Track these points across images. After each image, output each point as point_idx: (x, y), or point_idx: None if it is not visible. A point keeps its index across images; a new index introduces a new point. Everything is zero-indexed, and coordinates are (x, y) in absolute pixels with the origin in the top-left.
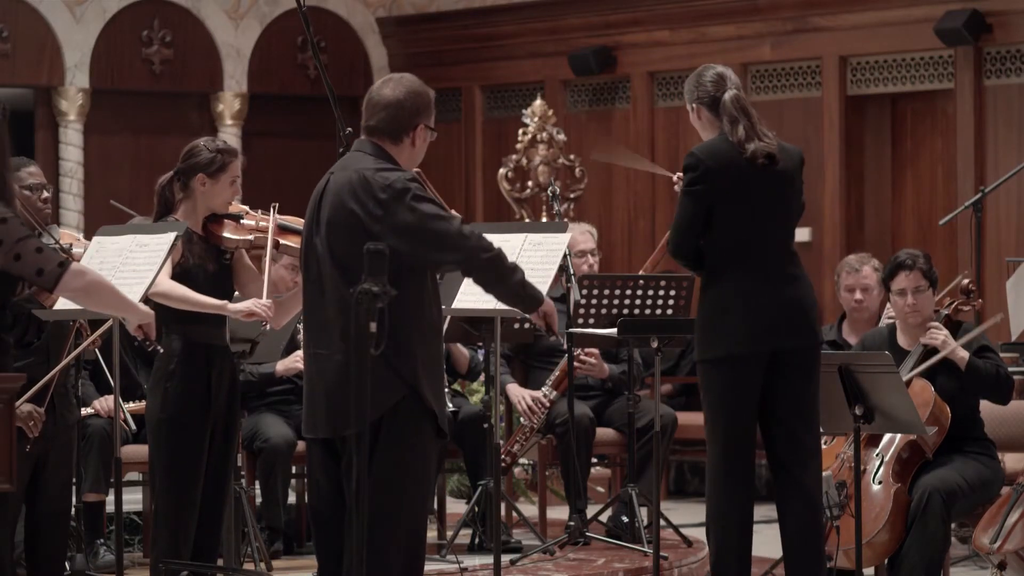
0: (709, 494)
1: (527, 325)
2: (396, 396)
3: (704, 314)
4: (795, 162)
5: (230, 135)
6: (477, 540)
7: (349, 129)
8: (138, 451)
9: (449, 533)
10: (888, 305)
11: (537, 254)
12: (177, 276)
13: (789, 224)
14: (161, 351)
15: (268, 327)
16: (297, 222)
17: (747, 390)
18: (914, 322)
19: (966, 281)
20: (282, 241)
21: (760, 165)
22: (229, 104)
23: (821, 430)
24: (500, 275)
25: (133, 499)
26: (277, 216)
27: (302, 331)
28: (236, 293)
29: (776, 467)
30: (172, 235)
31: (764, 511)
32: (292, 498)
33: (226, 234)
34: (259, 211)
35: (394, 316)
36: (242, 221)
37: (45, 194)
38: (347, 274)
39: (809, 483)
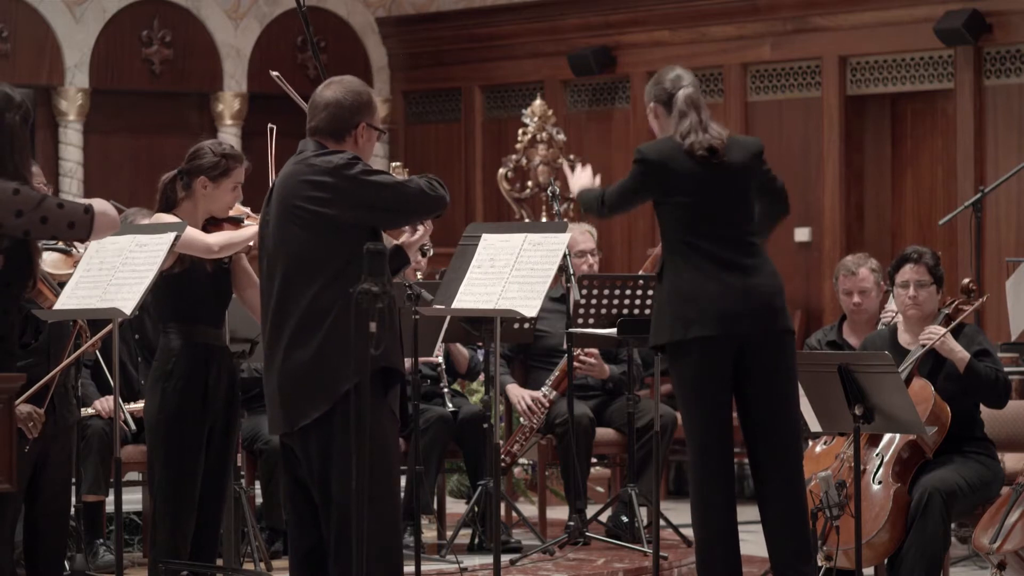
0: (692, 485)
1: (526, 325)
2: (351, 382)
3: (659, 300)
4: (749, 153)
5: (230, 135)
6: (477, 540)
7: None
8: (138, 451)
9: (449, 533)
10: (886, 306)
11: (537, 254)
12: (176, 275)
13: (741, 215)
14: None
15: None
16: None
17: (714, 374)
18: (914, 315)
19: (967, 281)
20: None
21: (700, 158)
22: (229, 104)
23: (821, 429)
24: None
25: (133, 499)
26: None
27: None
28: (234, 295)
29: (754, 462)
30: (172, 235)
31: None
32: None
33: None
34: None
35: (343, 303)
36: (245, 223)
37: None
38: (305, 268)
39: (786, 476)
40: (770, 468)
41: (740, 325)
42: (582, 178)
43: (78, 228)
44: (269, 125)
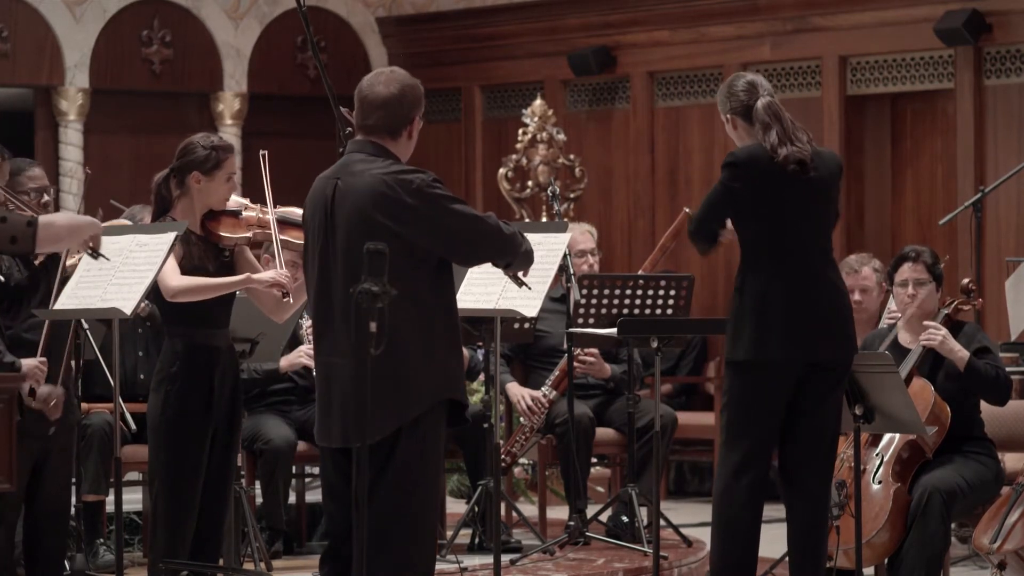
0: (718, 498)
1: (527, 325)
2: (422, 408)
3: (738, 313)
4: (831, 169)
5: (230, 135)
6: (477, 540)
7: (349, 129)
8: (138, 451)
9: (449, 533)
10: (888, 306)
11: (537, 254)
12: None
13: (825, 231)
14: (108, 259)
15: (290, 299)
16: (297, 214)
17: (777, 397)
18: (913, 314)
19: (966, 281)
20: (282, 236)
21: (791, 171)
22: (229, 104)
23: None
24: (526, 261)
25: (133, 499)
26: (280, 209)
27: (311, 336)
28: (239, 295)
29: (785, 471)
30: (172, 235)
31: (765, 511)
32: (292, 498)
33: (224, 233)
34: (259, 205)
35: (423, 322)
36: (242, 215)
37: (46, 197)
38: None
39: (815, 489)
40: (799, 483)
41: (814, 348)
42: None
43: (20, 242)
44: (261, 152)
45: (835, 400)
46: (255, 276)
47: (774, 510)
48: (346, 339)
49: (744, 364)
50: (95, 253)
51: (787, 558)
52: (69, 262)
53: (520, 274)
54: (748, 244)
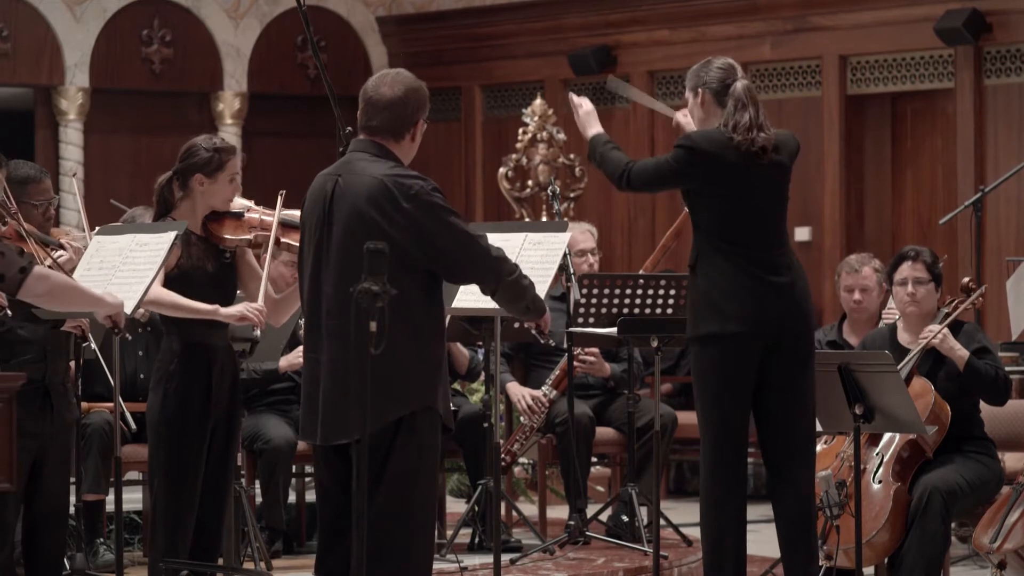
0: (703, 482)
1: (527, 326)
2: (406, 409)
3: (696, 294)
4: (789, 151)
5: (230, 135)
6: (477, 539)
7: (349, 128)
8: (138, 451)
9: (449, 533)
10: (887, 306)
11: (537, 253)
12: (176, 278)
13: (781, 213)
14: (129, 337)
15: (258, 332)
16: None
17: (743, 371)
18: (913, 313)
19: (966, 280)
20: (283, 239)
21: (748, 154)
22: (229, 104)
23: (821, 429)
24: (519, 294)
25: (133, 499)
26: (282, 212)
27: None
28: (239, 291)
29: (768, 463)
30: (172, 234)
31: (763, 511)
32: (292, 498)
33: (225, 235)
34: (261, 208)
35: (413, 325)
36: (245, 216)
37: (51, 212)
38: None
39: (800, 479)
40: (782, 474)
41: (775, 325)
42: (592, 118)
43: (7, 282)
44: (280, 191)
45: (804, 385)
46: (223, 310)
47: (771, 509)
48: (331, 336)
49: (707, 337)
50: (116, 330)
51: (780, 554)
52: (64, 259)
53: (541, 325)
54: (702, 225)
